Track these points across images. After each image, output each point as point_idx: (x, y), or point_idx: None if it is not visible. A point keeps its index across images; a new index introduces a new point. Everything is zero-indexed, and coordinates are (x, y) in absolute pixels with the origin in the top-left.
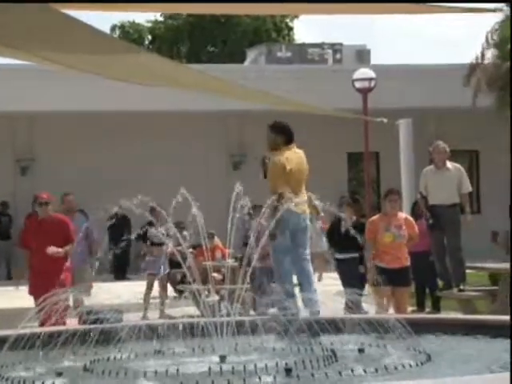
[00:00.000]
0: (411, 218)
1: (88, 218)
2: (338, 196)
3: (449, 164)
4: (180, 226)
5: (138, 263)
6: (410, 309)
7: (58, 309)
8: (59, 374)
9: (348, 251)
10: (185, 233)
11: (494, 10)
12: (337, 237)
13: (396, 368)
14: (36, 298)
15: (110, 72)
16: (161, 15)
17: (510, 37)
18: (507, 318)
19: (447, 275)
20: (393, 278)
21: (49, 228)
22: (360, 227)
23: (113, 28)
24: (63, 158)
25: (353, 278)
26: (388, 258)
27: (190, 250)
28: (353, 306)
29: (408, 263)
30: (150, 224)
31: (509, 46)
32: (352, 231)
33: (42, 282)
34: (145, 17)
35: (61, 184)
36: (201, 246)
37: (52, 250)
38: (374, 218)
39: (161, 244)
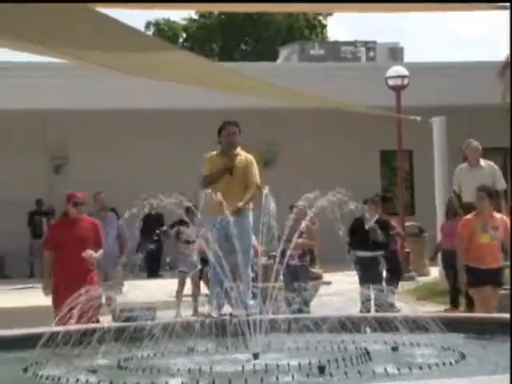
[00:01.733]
0: (506, 218)
1: (119, 216)
2: (371, 194)
3: (482, 162)
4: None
5: (170, 261)
6: (443, 307)
7: (91, 306)
8: (93, 372)
9: (370, 249)
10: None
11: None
12: (359, 234)
13: (430, 367)
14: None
15: (142, 70)
16: (196, 13)
17: (510, 36)
18: None
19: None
20: (488, 278)
21: (82, 229)
22: (382, 225)
23: (147, 25)
24: (96, 156)
25: (373, 276)
26: (485, 258)
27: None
28: (385, 304)
29: (501, 263)
30: (182, 222)
31: None
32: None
33: (71, 283)
34: (180, 15)
35: (94, 182)
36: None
37: (89, 253)
38: (469, 217)
39: (192, 242)
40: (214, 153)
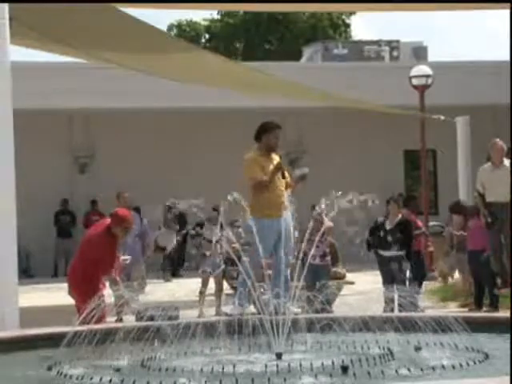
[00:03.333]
0: None
1: (142, 216)
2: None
3: (506, 161)
4: (234, 225)
5: (194, 261)
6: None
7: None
8: (117, 370)
9: (392, 248)
10: (239, 230)
11: None
12: (381, 234)
13: (453, 367)
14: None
15: (164, 72)
16: (218, 13)
17: (510, 36)
18: None
19: (505, 273)
20: None
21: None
22: (405, 224)
23: (170, 27)
24: (121, 156)
25: (396, 276)
26: None
27: (246, 247)
28: (409, 304)
29: None
30: (206, 222)
31: None
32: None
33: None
34: (201, 15)
35: (119, 182)
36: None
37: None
38: None
39: (216, 242)
40: (253, 154)
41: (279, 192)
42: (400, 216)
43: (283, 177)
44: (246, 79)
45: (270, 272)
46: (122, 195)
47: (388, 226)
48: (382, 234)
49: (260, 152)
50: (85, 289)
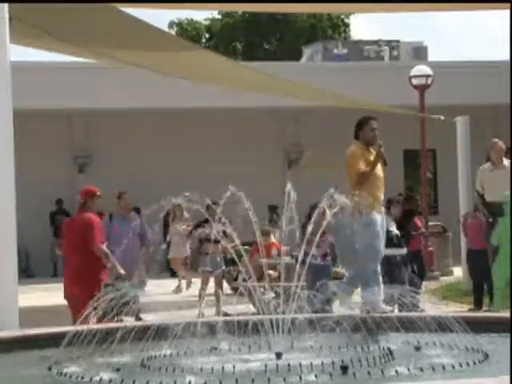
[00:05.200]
0: None
1: (141, 216)
2: (395, 193)
3: (505, 161)
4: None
5: (193, 260)
6: (466, 307)
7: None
8: (117, 370)
9: (393, 248)
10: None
11: None
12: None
13: (453, 367)
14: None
15: (167, 69)
16: (218, 13)
17: (510, 36)
18: None
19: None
20: None
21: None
22: (403, 224)
23: (170, 25)
24: (121, 156)
25: (397, 275)
26: None
27: (246, 247)
28: (409, 304)
29: None
30: (205, 221)
31: None
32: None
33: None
34: (202, 14)
35: (118, 182)
36: (256, 243)
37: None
38: None
39: (216, 241)
40: (355, 147)
41: (379, 186)
42: (399, 216)
43: (385, 164)
44: (247, 78)
45: (270, 272)
46: (123, 195)
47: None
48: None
49: (361, 146)
50: (90, 281)
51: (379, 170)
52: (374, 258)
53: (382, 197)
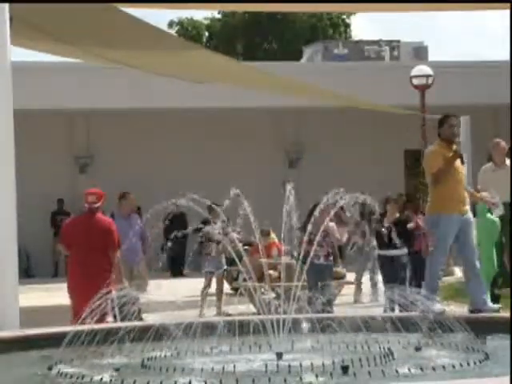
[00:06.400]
0: None
1: (142, 216)
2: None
3: (507, 161)
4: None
5: (195, 260)
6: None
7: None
8: (117, 370)
9: (391, 248)
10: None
11: None
12: (379, 234)
13: (453, 367)
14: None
15: (163, 69)
16: (218, 12)
17: (510, 36)
18: None
19: (506, 273)
20: None
21: None
22: (403, 224)
23: (170, 24)
24: (122, 156)
25: (396, 275)
26: None
27: (246, 247)
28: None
29: None
30: (207, 222)
31: None
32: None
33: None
34: (202, 14)
35: (119, 182)
36: (257, 243)
37: None
38: None
39: (218, 242)
40: (435, 146)
41: (457, 185)
42: (398, 215)
43: (462, 162)
44: (248, 76)
45: (271, 272)
46: (127, 195)
47: (386, 225)
48: (380, 233)
49: (441, 144)
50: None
51: (457, 168)
52: (438, 260)
53: (461, 195)
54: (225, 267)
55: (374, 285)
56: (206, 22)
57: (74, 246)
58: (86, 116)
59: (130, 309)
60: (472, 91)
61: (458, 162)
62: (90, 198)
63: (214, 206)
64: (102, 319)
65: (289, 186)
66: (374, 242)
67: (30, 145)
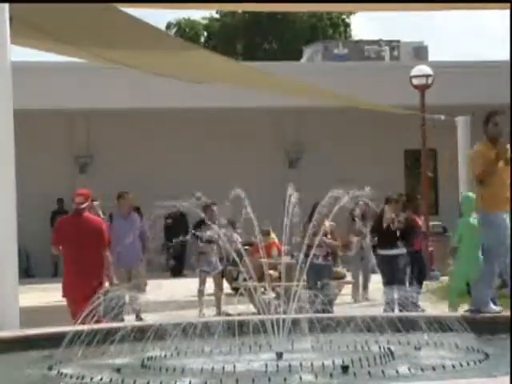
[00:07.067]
0: None
1: (142, 216)
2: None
3: None
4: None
5: (193, 260)
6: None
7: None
8: (117, 370)
9: (391, 247)
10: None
11: None
12: (379, 233)
13: (453, 367)
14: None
15: (162, 69)
16: (217, 12)
17: (510, 36)
18: None
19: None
20: None
21: None
22: (405, 224)
23: (168, 25)
24: (122, 156)
25: (395, 275)
26: None
27: (246, 247)
28: (409, 304)
29: None
30: (204, 222)
31: None
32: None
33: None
34: (200, 14)
35: (119, 181)
36: (257, 242)
37: None
38: None
39: (214, 241)
40: (479, 146)
41: (502, 184)
42: (400, 216)
43: (506, 163)
44: (247, 77)
45: (271, 272)
46: (125, 195)
47: (384, 225)
48: (380, 233)
49: (486, 144)
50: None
51: (502, 168)
52: (491, 260)
53: (506, 195)
54: (221, 267)
55: (365, 285)
56: (204, 22)
57: (65, 245)
58: (85, 116)
59: (117, 309)
60: (472, 91)
61: (502, 163)
62: (77, 199)
63: (210, 205)
64: (98, 321)
65: (290, 189)
66: (369, 241)
67: (29, 145)
